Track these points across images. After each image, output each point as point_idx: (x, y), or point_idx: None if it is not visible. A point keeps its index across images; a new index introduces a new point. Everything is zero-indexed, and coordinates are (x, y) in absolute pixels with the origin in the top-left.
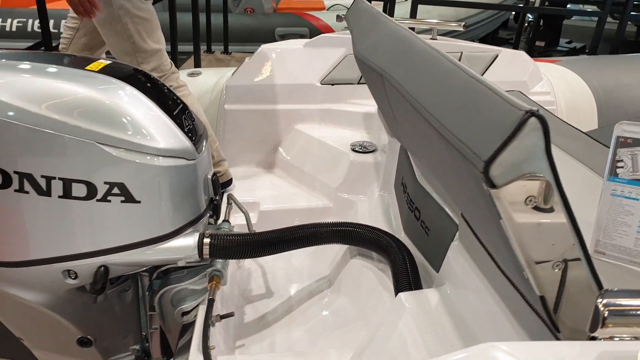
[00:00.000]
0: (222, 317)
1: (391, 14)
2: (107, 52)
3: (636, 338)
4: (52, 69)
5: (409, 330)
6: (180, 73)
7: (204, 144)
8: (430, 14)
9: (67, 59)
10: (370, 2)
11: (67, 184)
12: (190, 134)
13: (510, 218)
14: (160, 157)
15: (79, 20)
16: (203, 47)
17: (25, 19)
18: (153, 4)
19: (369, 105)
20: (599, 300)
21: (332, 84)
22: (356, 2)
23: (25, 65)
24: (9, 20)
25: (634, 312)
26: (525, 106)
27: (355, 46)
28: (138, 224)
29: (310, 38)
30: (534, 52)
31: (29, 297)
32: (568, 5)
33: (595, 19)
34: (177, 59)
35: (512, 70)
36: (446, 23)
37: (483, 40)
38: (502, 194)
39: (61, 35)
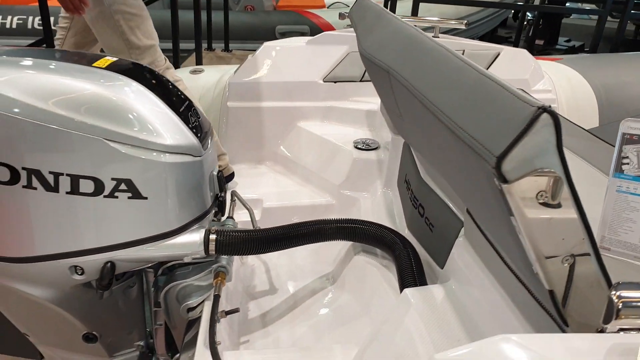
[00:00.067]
0: (228, 312)
1: (392, 12)
2: (101, 50)
3: None
4: (59, 65)
5: (415, 326)
6: (181, 70)
7: (210, 140)
8: (431, 12)
9: (74, 56)
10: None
11: (75, 180)
12: (196, 131)
13: (521, 213)
14: (167, 154)
15: (70, 20)
16: (203, 45)
17: (25, 16)
18: (151, 2)
19: (372, 102)
20: (613, 292)
21: (335, 82)
22: (360, 0)
23: (33, 61)
24: (9, 18)
25: None
26: (538, 102)
27: (361, 43)
28: (145, 220)
29: (311, 36)
30: (533, 51)
31: (36, 293)
32: (567, 4)
33: (594, 17)
34: (179, 57)
35: (513, 68)
36: (448, 21)
37: (482, 39)
38: (513, 189)
39: (55, 37)
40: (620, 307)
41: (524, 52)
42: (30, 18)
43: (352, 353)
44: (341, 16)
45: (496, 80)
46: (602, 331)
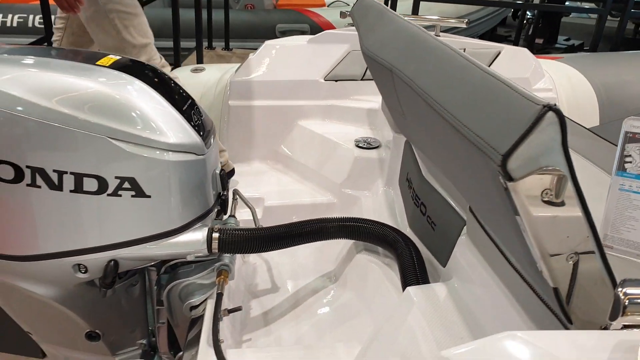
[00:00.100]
0: (230, 311)
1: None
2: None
3: None
4: (63, 64)
5: (418, 324)
6: (182, 69)
7: (212, 139)
8: (431, 11)
9: (77, 55)
10: None
11: (79, 178)
12: (199, 129)
13: (526, 210)
14: (170, 152)
15: (66, 20)
16: (204, 44)
17: (25, 15)
18: (150, 1)
19: (373, 101)
20: (619, 289)
21: (336, 80)
22: None
23: (36, 60)
24: (10, 16)
25: None
26: (543, 100)
27: (363, 42)
28: (148, 218)
29: (311, 34)
30: (533, 50)
31: (39, 291)
32: (566, 2)
33: (593, 16)
34: (180, 55)
35: (514, 67)
36: (449, 20)
37: (481, 37)
38: (519, 187)
39: (52, 39)
40: (626, 303)
41: (525, 51)
42: (31, 16)
43: (354, 351)
44: (342, 15)
45: (501, 79)
46: (606, 328)
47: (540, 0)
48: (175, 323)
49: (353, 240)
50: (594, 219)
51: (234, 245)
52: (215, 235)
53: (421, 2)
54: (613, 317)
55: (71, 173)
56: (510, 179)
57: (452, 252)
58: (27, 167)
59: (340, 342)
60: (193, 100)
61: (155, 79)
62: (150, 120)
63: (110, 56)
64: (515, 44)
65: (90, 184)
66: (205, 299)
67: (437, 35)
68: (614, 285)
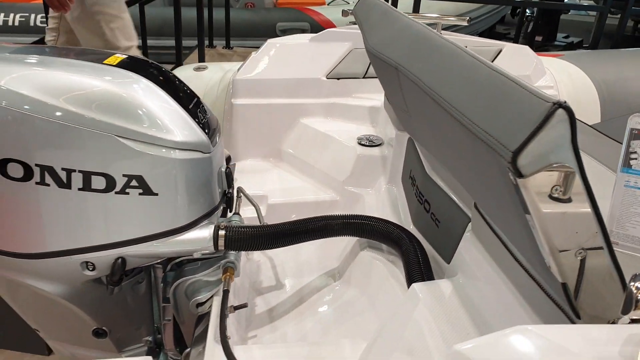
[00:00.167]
0: (236, 308)
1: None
2: None
3: None
4: (70, 63)
5: (425, 320)
6: (185, 67)
7: (218, 137)
8: (430, 9)
9: (84, 54)
10: None
11: (87, 176)
12: (205, 128)
13: (535, 206)
14: (177, 150)
15: (59, 20)
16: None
17: (27, 14)
18: (149, 1)
19: (375, 99)
20: (632, 283)
21: (338, 78)
22: None
23: (44, 59)
24: (12, 15)
25: None
26: (553, 98)
27: (367, 40)
28: (155, 216)
29: (311, 33)
30: (532, 47)
31: (47, 288)
32: (565, 0)
33: (592, 13)
34: (182, 54)
35: (516, 65)
36: (451, 18)
37: (480, 35)
38: (528, 184)
39: (46, 39)
40: (639, 297)
41: (526, 49)
42: (33, 15)
43: (360, 347)
44: (344, 13)
45: (509, 76)
46: (613, 323)
47: None
48: (181, 320)
49: (356, 238)
50: None
51: (240, 242)
52: (222, 232)
53: (422, 1)
54: (625, 311)
55: (79, 171)
56: (520, 175)
57: (456, 249)
58: (37, 165)
59: (346, 339)
60: (198, 98)
61: (161, 78)
62: (157, 118)
63: (117, 55)
64: (516, 41)
65: (98, 182)
66: (212, 296)
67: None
68: (622, 280)
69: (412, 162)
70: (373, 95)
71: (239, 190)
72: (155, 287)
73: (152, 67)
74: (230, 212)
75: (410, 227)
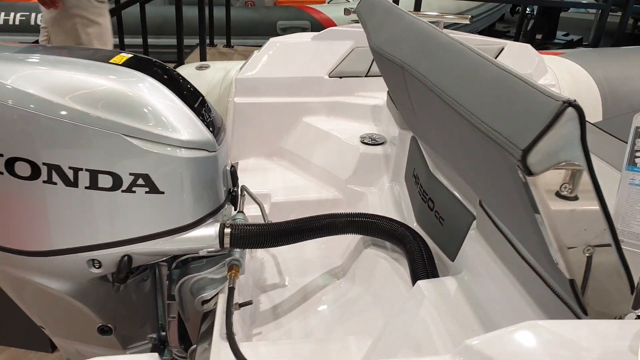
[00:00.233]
0: (241, 305)
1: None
2: None
3: None
4: (77, 62)
5: (430, 316)
6: (187, 66)
7: (223, 135)
8: (431, 7)
9: (90, 53)
10: None
11: (94, 175)
12: (210, 126)
13: (545, 204)
14: (184, 149)
15: None
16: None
17: (28, 13)
18: (147, 1)
19: (377, 97)
20: None
21: (340, 77)
22: None
23: (50, 58)
24: (12, 14)
25: None
26: (563, 96)
27: (372, 39)
28: (162, 214)
29: (312, 31)
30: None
31: (54, 286)
32: None
33: (591, 11)
34: (183, 53)
35: (518, 63)
36: (453, 16)
37: (480, 34)
38: (538, 181)
39: (39, 39)
40: None
41: (528, 47)
42: (33, 14)
43: (366, 344)
44: (346, 12)
45: (518, 75)
46: (620, 318)
47: None
48: (186, 317)
49: (360, 236)
50: None
51: (246, 240)
52: (227, 230)
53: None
54: (636, 306)
55: (86, 170)
56: (530, 173)
57: (461, 247)
58: (44, 164)
59: (352, 335)
60: (203, 97)
61: (167, 76)
62: (163, 117)
63: (123, 54)
64: (516, 39)
65: (105, 181)
66: (217, 294)
67: None
68: (629, 277)
69: (415, 161)
70: (375, 93)
71: (243, 188)
72: (160, 285)
73: (158, 66)
74: (236, 210)
75: (414, 225)
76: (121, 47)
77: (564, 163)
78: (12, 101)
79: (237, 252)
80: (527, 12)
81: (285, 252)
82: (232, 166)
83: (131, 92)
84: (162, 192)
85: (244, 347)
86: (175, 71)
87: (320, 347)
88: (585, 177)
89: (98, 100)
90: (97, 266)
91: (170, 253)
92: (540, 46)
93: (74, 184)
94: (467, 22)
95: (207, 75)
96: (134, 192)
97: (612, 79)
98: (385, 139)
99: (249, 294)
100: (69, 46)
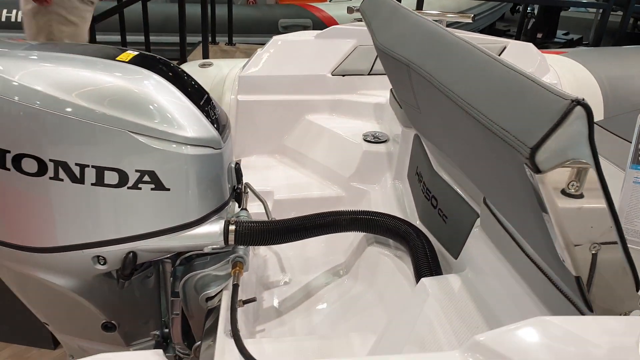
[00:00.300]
0: (245, 302)
1: None
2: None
3: None
4: (84, 59)
5: (435, 313)
6: (190, 64)
7: (228, 133)
8: (432, 6)
9: (97, 50)
10: None
11: (100, 171)
12: (215, 124)
13: (552, 201)
14: (189, 146)
15: None
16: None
17: None
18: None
19: (380, 96)
20: None
21: (343, 75)
22: None
23: (57, 55)
24: (14, 11)
25: None
26: (571, 95)
27: (377, 38)
28: (167, 211)
29: (314, 30)
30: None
31: (59, 282)
32: None
33: (591, 10)
34: (185, 50)
35: (520, 62)
36: (455, 14)
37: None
38: (545, 179)
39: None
40: None
41: (530, 46)
42: None
43: (370, 341)
44: (350, 10)
45: (525, 74)
46: (626, 315)
47: None
48: (190, 314)
49: (363, 233)
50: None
51: (250, 237)
52: (232, 227)
53: None
54: None
55: (93, 166)
56: (538, 171)
57: (464, 244)
58: (50, 160)
59: (355, 332)
60: (208, 94)
61: (172, 74)
62: (169, 114)
63: (129, 52)
64: (517, 38)
65: (111, 177)
66: (221, 290)
67: None
68: (634, 274)
69: (418, 159)
70: (378, 91)
71: (246, 185)
72: (164, 282)
73: (163, 64)
74: (240, 207)
75: (417, 223)
76: (123, 44)
77: (571, 161)
78: (19, 98)
79: (241, 249)
80: (527, 11)
81: (289, 250)
82: (236, 163)
83: (137, 89)
84: (168, 189)
85: (248, 344)
86: (180, 69)
87: (324, 344)
88: (592, 175)
89: (104, 97)
90: (102, 263)
91: (175, 250)
92: (540, 45)
93: (80, 180)
94: (470, 20)
95: (211, 72)
96: (140, 188)
97: (613, 78)
98: (388, 136)
99: (252, 291)
100: (75, 43)
